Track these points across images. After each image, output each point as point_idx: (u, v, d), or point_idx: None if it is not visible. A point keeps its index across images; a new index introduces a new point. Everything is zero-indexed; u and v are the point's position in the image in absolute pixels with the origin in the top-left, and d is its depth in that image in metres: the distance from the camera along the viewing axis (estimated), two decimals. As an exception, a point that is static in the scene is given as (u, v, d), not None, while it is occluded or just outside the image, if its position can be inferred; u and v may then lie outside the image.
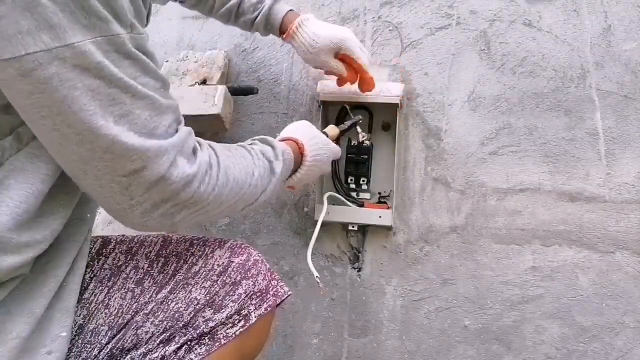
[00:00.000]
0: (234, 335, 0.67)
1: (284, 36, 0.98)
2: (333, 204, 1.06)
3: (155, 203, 0.54)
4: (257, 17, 0.97)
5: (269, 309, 0.70)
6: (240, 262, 0.70)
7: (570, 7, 1.04)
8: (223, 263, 0.69)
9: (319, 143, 0.87)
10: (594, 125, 1.01)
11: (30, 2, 0.42)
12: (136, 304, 0.66)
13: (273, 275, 0.73)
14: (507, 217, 1.03)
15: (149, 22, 0.59)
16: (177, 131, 0.55)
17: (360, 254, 1.10)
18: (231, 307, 0.67)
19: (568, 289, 0.99)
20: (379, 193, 1.10)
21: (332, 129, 0.99)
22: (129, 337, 0.64)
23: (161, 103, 0.53)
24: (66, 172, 0.54)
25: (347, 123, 1.03)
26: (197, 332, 0.65)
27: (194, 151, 0.58)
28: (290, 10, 0.98)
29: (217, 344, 0.66)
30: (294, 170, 0.82)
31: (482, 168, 1.05)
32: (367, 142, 1.09)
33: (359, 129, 1.05)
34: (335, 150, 0.93)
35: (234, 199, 0.64)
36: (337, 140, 0.99)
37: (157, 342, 0.64)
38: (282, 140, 0.83)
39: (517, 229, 1.02)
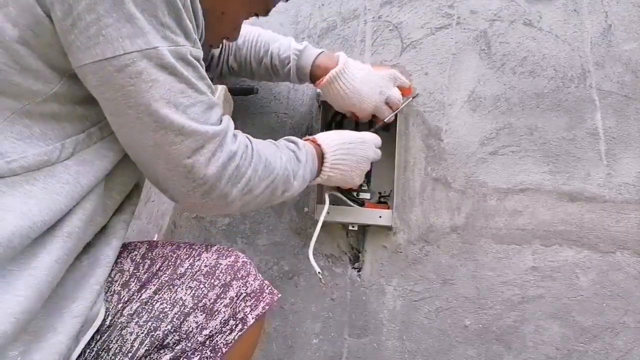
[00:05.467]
0: (233, 341, 0.68)
1: (315, 85, 1.01)
2: (333, 204, 1.05)
3: (212, 184, 0.65)
4: (288, 72, 1.00)
5: (267, 307, 0.71)
6: (228, 263, 0.71)
7: (571, 7, 1.04)
8: (210, 264, 0.70)
9: (346, 148, 0.91)
10: (594, 125, 1.01)
11: (130, 16, 0.55)
12: (121, 304, 0.67)
13: (263, 278, 0.74)
14: (508, 217, 1.03)
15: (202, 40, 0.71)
16: (221, 121, 0.67)
17: (360, 254, 1.10)
18: (224, 312, 0.68)
19: (568, 289, 0.99)
20: (379, 193, 1.10)
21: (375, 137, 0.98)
22: (114, 338, 0.64)
23: (213, 101, 0.66)
24: (138, 163, 0.65)
25: (379, 125, 1.03)
26: (193, 341, 0.66)
27: (235, 135, 0.69)
28: (317, 57, 0.98)
29: (220, 354, 0.67)
30: (319, 171, 0.88)
31: (482, 168, 1.05)
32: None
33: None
34: (369, 155, 0.94)
35: (270, 177, 0.73)
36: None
37: (153, 348, 0.64)
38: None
39: (518, 229, 1.02)
